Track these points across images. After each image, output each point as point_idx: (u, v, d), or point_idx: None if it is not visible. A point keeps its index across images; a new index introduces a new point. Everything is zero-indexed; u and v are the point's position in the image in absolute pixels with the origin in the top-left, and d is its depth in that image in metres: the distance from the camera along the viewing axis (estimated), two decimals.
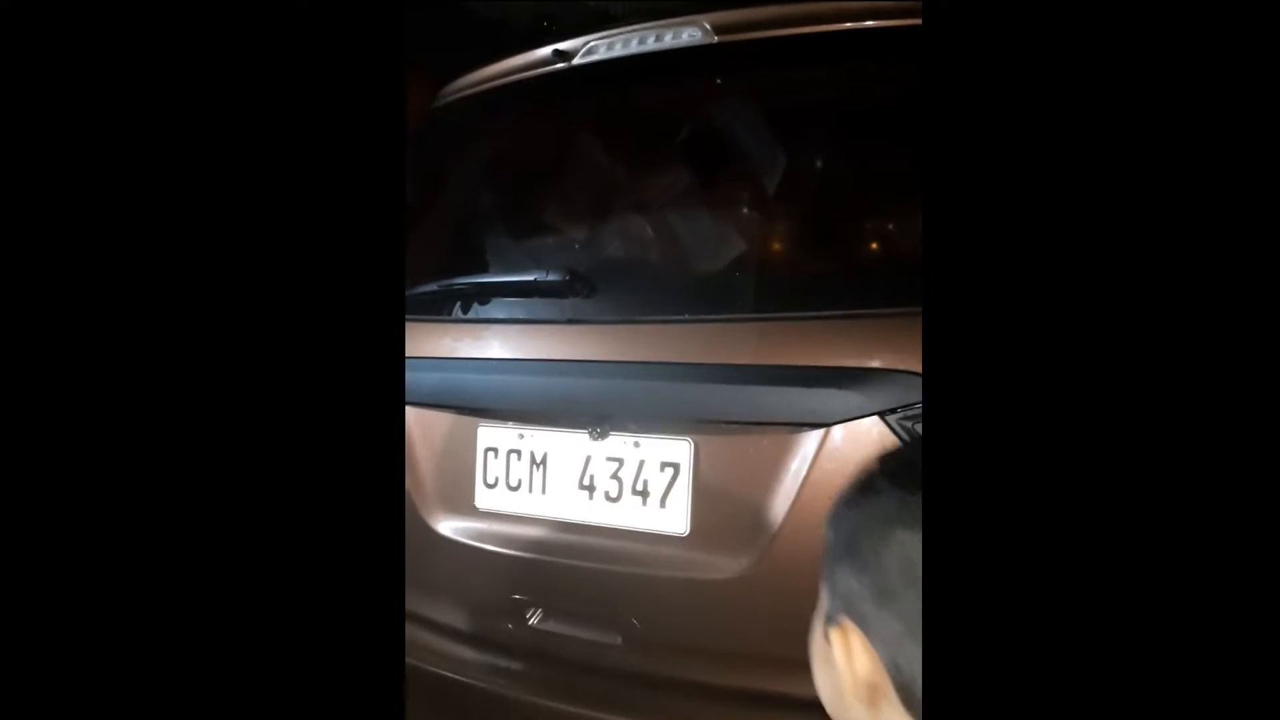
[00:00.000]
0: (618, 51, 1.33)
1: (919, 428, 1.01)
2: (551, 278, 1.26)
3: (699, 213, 1.34)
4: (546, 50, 1.40)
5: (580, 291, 1.26)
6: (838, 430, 1.05)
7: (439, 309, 1.44)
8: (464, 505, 1.36)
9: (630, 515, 1.21)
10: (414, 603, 1.34)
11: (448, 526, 1.38)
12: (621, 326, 1.23)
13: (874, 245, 1.21)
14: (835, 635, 0.60)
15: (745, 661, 1.16)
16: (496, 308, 1.37)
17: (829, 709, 0.66)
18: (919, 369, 1.00)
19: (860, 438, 1.05)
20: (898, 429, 1.02)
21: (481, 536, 1.35)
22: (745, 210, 1.30)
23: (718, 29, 1.27)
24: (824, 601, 0.63)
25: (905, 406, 1.01)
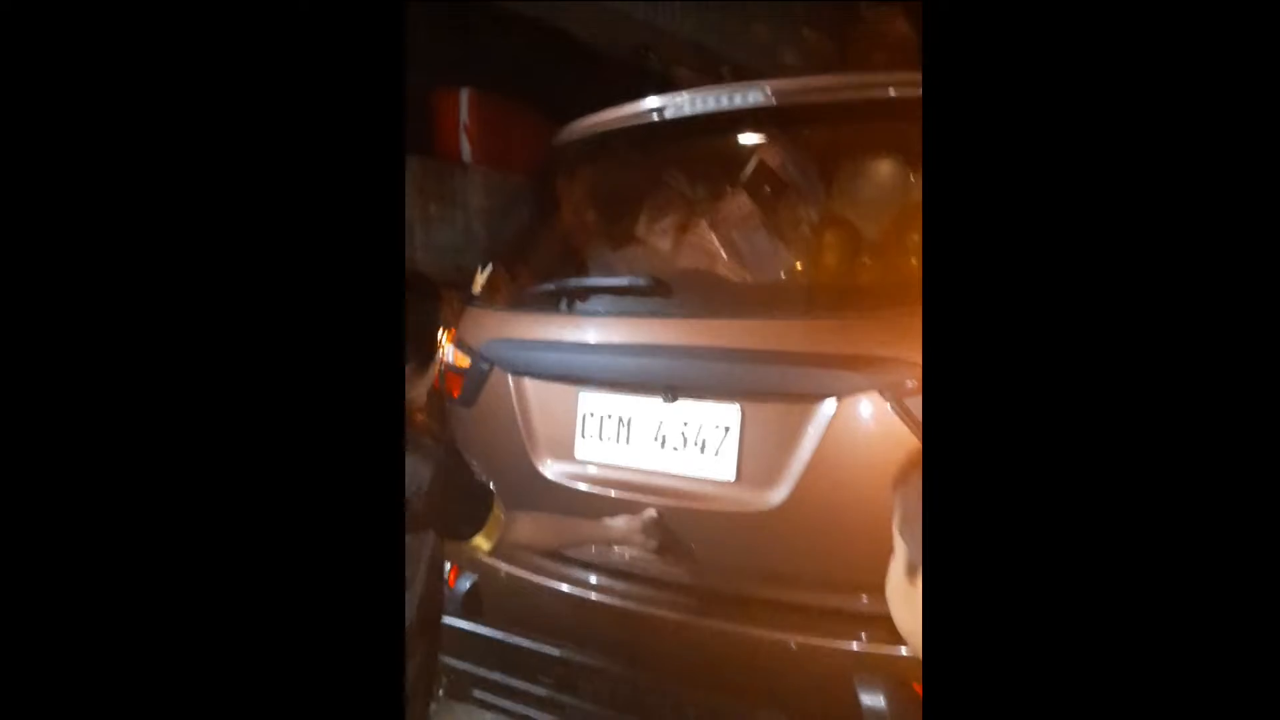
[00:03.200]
0: (699, 108, 1.71)
1: (906, 401, 1.34)
2: (640, 282, 1.65)
3: (756, 233, 1.71)
4: (646, 105, 1.79)
5: (661, 292, 1.65)
6: (848, 401, 1.40)
7: (553, 304, 1.85)
8: (566, 454, 1.76)
9: (691, 463, 1.59)
10: None
11: (552, 470, 1.78)
12: (691, 320, 1.61)
13: (890, 263, 1.55)
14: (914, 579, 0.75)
15: (778, 576, 1.51)
16: (597, 303, 1.77)
17: (908, 635, 0.78)
18: (908, 356, 1.34)
19: (863, 406, 1.39)
20: (891, 400, 1.36)
21: (578, 478, 1.74)
22: (791, 233, 1.66)
23: (777, 93, 1.63)
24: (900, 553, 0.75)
25: (898, 384, 1.35)
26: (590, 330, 1.76)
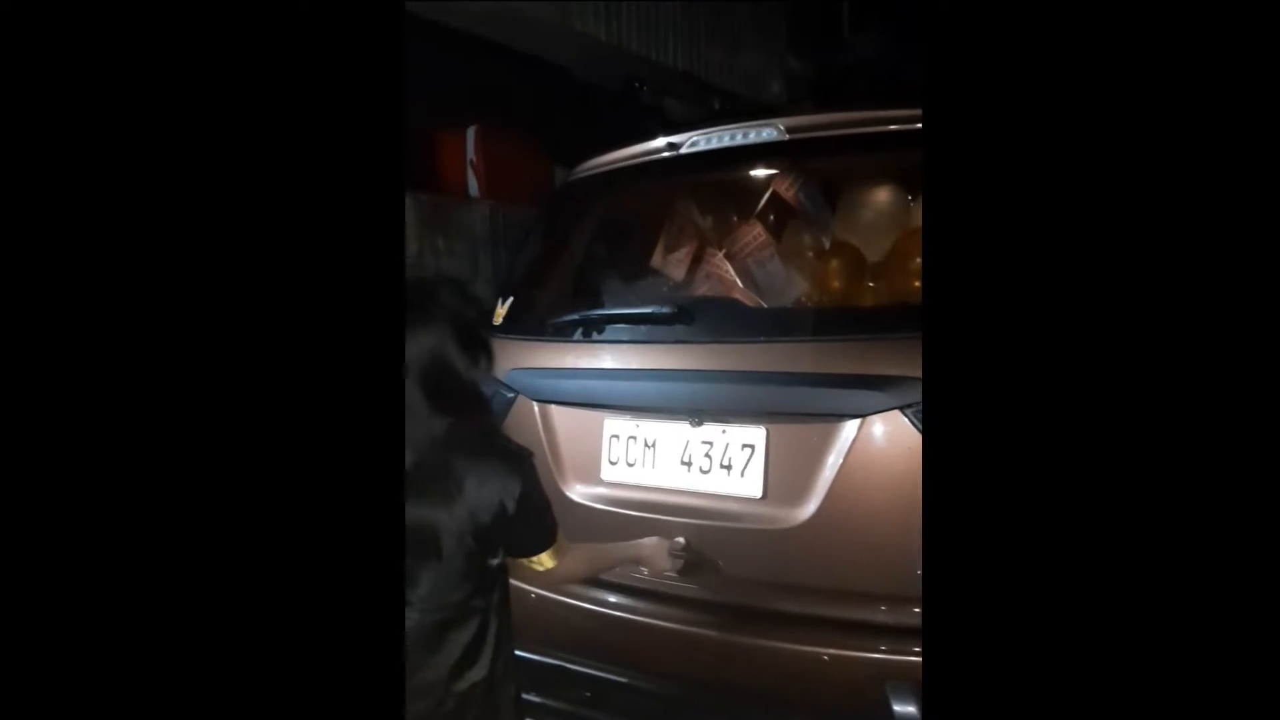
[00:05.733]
0: (714, 144, 1.80)
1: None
2: (663, 310, 1.73)
3: (771, 262, 1.80)
4: (660, 142, 1.88)
5: (684, 320, 1.72)
6: (870, 420, 1.48)
7: (576, 333, 1.92)
8: (592, 478, 1.82)
9: (718, 483, 1.65)
10: None
11: (578, 493, 1.84)
12: (714, 345, 1.68)
13: (899, 286, 1.64)
14: None
15: (804, 592, 1.58)
16: (620, 331, 1.84)
17: None
18: None
19: (885, 425, 1.47)
20: (912, 419, 1.44)
21: (604, 500, 1.80)
22: (805, 261, 1.75)
23: (789, 129, 1.73)
24: None
25: (918, 403, 1.43)
26: (614, 357, 1.83)
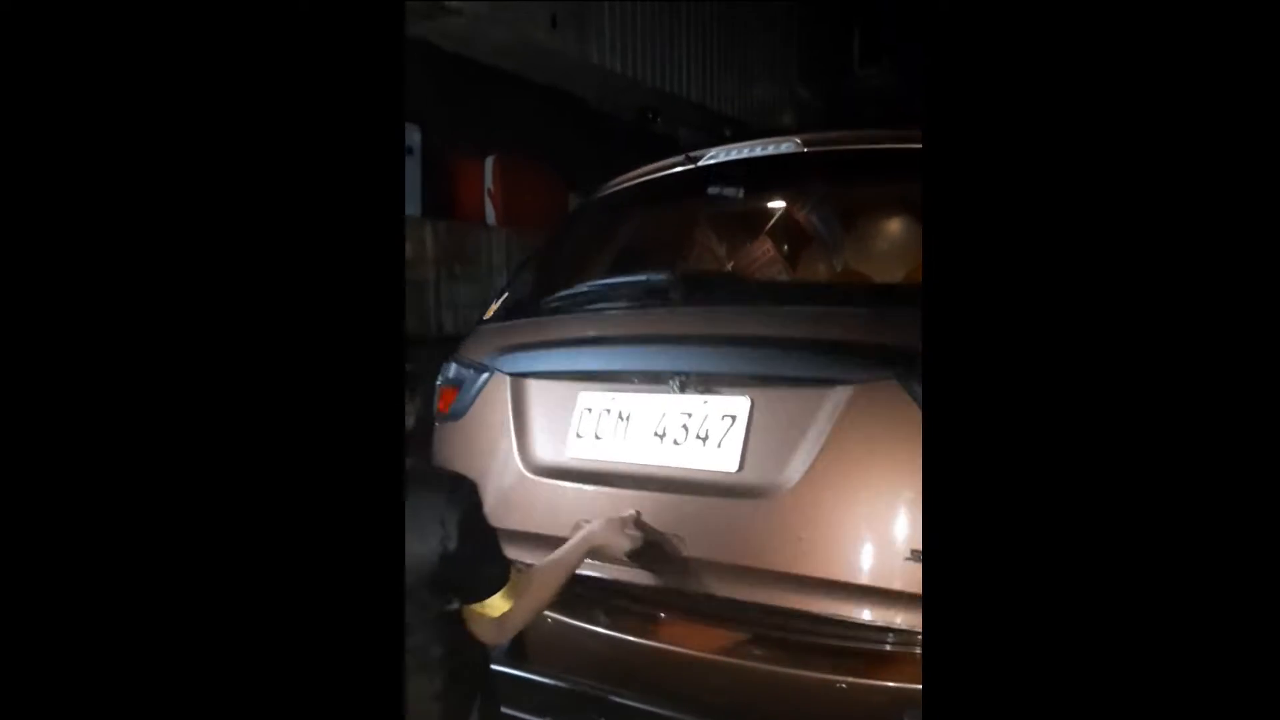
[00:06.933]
0: (733, 157, 1.79)
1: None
2: (655, 278, 1.65)
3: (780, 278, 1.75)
4: (680, 156, 1.88)
5: (674, 289, 1.64)
6: (863, 387, 1.37)
7: (561, 307, 1.84)
8: (557, 453, 1.67)
9: (691, 456, 1.51)
10: (511, 525, 1.62)
11: (537, 469, 1.68)
12: (700, 311, 1.59)
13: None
14: None
15: (776, 575, 1.43)
16: (608, 303, 1.76)
17: None
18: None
19: (879, 393, 1.35)
20: (906, 388, 1.33)
21: (564, 475, 1.64)
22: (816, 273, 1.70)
23: (807, 143, 1.72)
24: None
25: (914, 372, 1.31)
26: (598, 326, 1.75)
